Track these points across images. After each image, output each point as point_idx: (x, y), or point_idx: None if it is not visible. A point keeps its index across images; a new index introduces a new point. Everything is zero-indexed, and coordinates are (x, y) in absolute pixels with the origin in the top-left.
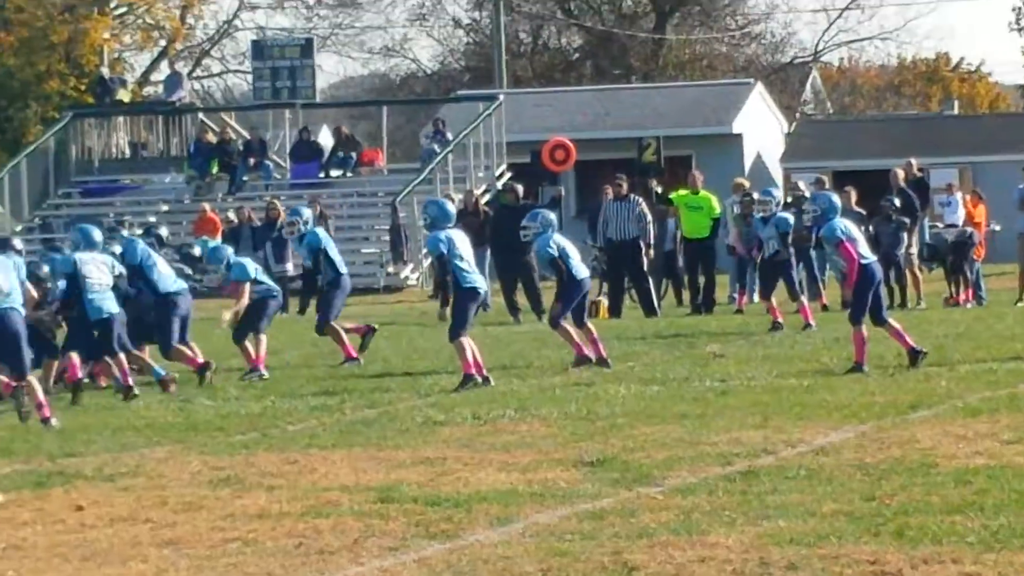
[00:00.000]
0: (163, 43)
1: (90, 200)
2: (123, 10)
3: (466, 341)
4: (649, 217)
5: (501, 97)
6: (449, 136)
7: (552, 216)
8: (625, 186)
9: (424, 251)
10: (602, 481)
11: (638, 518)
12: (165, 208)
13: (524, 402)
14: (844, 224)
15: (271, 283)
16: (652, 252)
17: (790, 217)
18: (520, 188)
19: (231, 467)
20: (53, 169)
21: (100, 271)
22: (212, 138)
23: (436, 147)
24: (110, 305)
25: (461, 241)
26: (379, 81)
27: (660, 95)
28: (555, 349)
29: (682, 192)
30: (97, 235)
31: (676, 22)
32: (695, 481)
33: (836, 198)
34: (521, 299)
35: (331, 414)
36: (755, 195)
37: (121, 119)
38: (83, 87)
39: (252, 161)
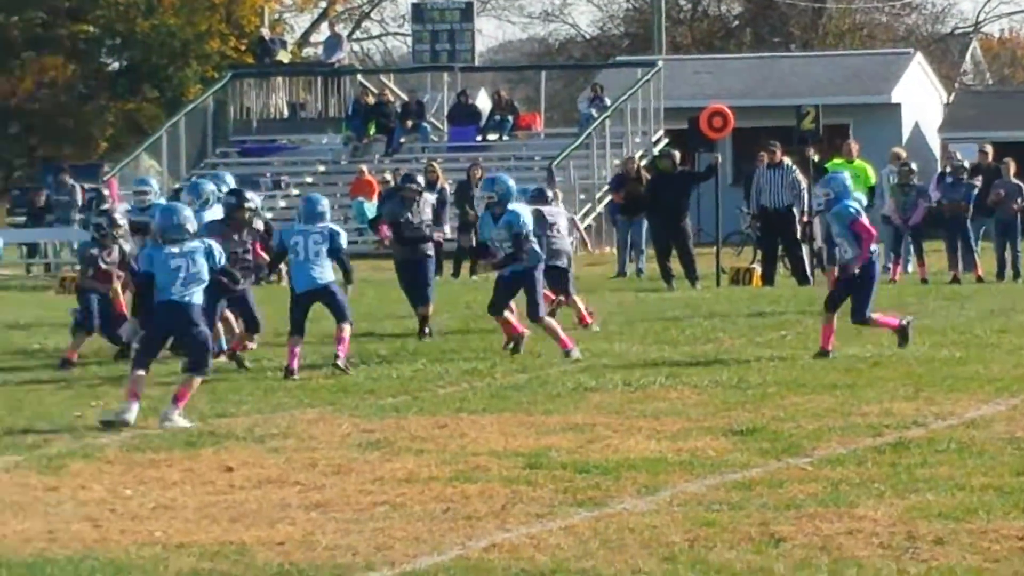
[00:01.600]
0: (323, 4)
1: (247, 160)
2: None
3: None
4: (803, 184)
5: (660, 63)
6: (607, 101)
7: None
8: (779, 153)
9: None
10: (751, 451)
11: (786, 489)
12: (322, 169)
13: (675, 369)
14: (856, 205)
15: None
16: (807, 219)
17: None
18: (677, 154)
19: (381, 430)
20: (211, 128)
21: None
22: (370, 100)
23: (594, 112)
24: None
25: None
26: (538, 45)
27: (819, 64)
28: (707, 316)
29: (837, 160)
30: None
31: None
32: (844, 452)
33: (849, 180)
34: (675, 265)
35: (482, 378)
36: (912, 165)
37: (280, 80)
38: (243, 47)
39: (409, 123)
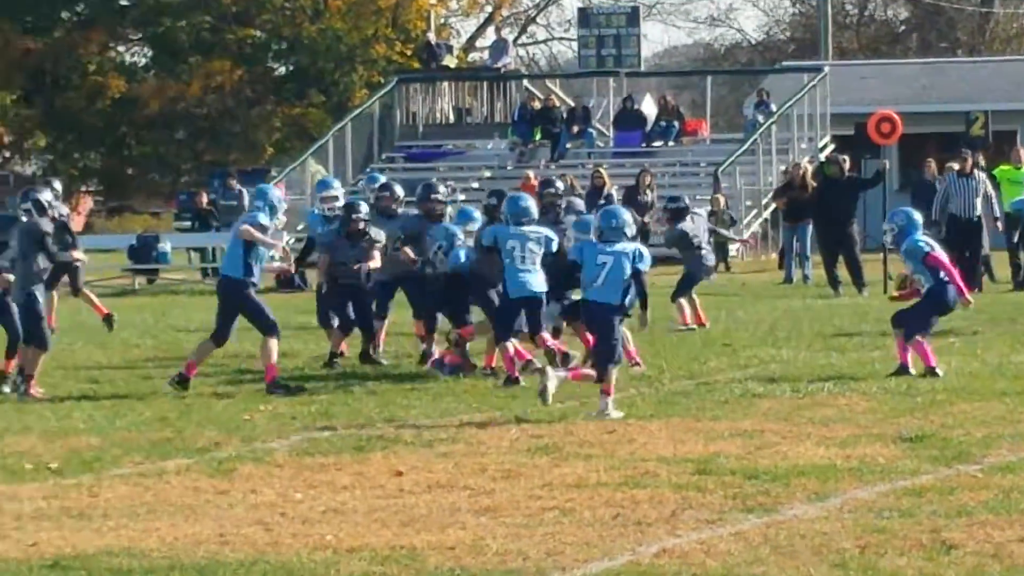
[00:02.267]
0: (489, 9)
1: (413, 165)
2: None
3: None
4: (994, 194)
5: (826, 68)
6: (773, 107)
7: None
8: (970, 162)
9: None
10: (921, 458)
11: (957, 496)
12: (488, 174)
13: (843, 376)
14: (926, 239)
15: None
16: (999, 226)
17: None
18: (845, 160)
19: (549, 435)
20: (378, 133)
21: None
22: (536, 105)
23: (760, 117)
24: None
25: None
26: (703, 50)
27: (986, 69)
28: (875, 323)
29: (1004, 167)
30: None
31: None
32: (1015, 460)
33: (916, 214)
34: (842, 272)
35: (650, 384)
36: None
37: (446, 84)
38: (409, 52)
39: (575, 128)
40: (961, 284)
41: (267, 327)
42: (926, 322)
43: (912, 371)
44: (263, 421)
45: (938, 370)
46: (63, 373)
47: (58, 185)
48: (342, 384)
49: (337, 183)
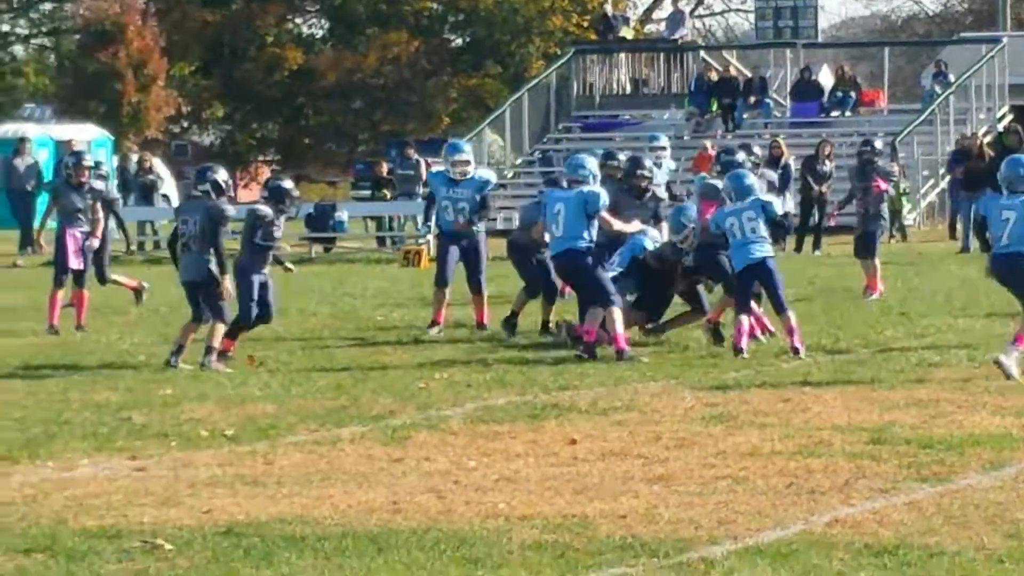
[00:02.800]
0: None
1: (590, 135)
2: None
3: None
4: None
5: (1004, 39)
6: (951, 78)
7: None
8: None
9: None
10: None
11: None
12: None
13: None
14: None
15: None
16: None
17: None
18: (1021, 130)
19: (724, 404)
20: (554, 104)
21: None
22: (713, 76)
23: (937, 88)
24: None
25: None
26: (880, 22)
27: None
28: None
29: None
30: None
31: None
32: None
33: None
34: None
35: (826, 353)
36: None
37: (623, 56)
38: (585, 24)
39: (752, 99)
40: None
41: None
42: None
43: None
44: (438, 389)
45: None
46: (242, 342)
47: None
48: (516, 352)
49: (468, 147)
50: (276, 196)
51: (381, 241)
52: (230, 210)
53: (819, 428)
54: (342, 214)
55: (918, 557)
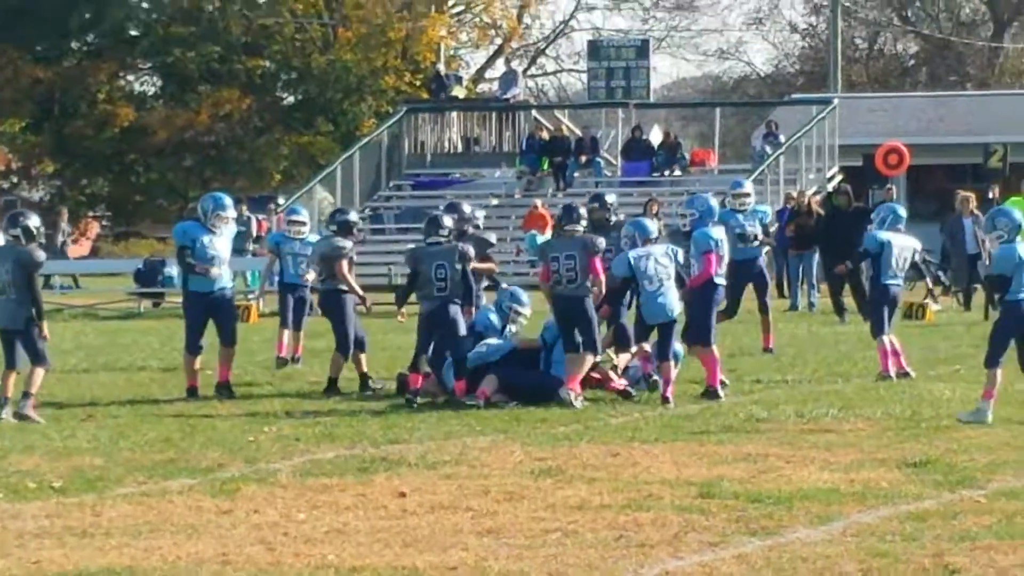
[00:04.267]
0: (499, 41)
1: (421, 193)
2: (460, 8)
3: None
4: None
5: (836, 101)
6: (782, 138)
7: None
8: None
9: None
10: (924, 482)
11: (960, 520)
12: (495, 202)
13: (848, 401)
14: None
15: None
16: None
17: None
18: (850, 191)
19: (553, 458)
20: (385, 162)
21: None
22: (545, 135)
23: (768, 149)
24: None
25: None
26: (712, 83)
27: (996, 102)
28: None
29: (1015, 198)
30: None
31: (1015, 31)
32: (1019, 485)
33: (714, 203)
34: (848, 300)
35: (653, 408)
36: None
37: (455, 114)
38: (418, 82)
39: (583, 158)
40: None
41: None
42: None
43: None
44: (267, 442)
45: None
46: (68, 394)
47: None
48: (345, 405)
49: (305, 212)
50: (345, 228)
51: None
52: (40, 256)
53: (648, 482)
54: (171, 269)
55: None
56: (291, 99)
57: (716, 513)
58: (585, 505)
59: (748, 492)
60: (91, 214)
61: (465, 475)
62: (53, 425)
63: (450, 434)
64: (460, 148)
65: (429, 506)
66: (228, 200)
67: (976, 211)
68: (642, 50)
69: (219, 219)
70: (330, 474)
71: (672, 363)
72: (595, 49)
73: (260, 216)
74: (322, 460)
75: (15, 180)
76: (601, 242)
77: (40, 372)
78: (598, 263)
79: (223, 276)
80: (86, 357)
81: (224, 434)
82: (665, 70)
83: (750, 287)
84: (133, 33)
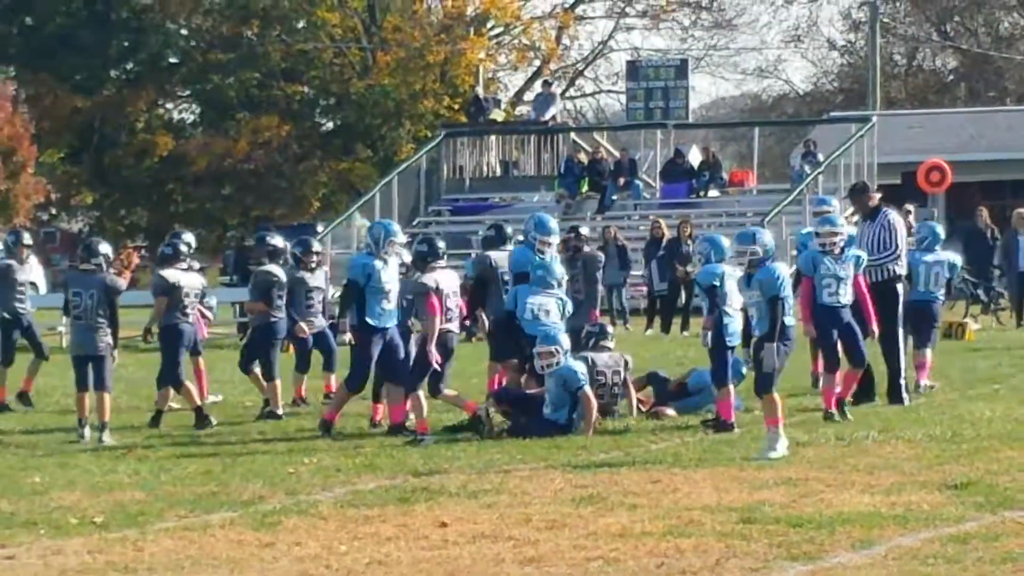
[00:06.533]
0: (537, 63)
1: (460, 218)
2: (499, 31)
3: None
4: None
5: (874, 118)
6: (820, 157)
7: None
8: None
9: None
10: (966, 504)
11: (1002, 542)
12: None
13: (888, 423)
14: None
15: None
16: None
17: None
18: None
19: (594, 485)
20: (424, 187)
21: None
22: (583, 157)
23: (806, 168)
24: None
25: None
26: (751, 101)
27: None
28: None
29: None
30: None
31: None
32: None
33: (723, 242)
34: None
35: (694, 433)
36: None
37: (493, 138)
38: (456, 106)
39: (622, 180)
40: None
41: None
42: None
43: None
44: (307, 474)
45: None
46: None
47: None
48: (386, 436)
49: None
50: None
51: (243, 327)
52: (122, 283)
53: (689, 508)
54: (211, 300)
55: None
56: (329, 125)
57: (757, 539)
58: (626, 532)
59: (789, 517)
60: (131, 244)
61: (506, 504)
62: (94, 460)
63: (490, 463)
64: (499, 172)
65: (470, 536)
66: (396, 225)
67: None
68: (681, 70)
69: (391, 246)
70: (371, 505)
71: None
72: (633, 69)
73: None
74: (363, 491)
75: (54, 211)
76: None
77: (107, 399)
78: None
79: (393, 310)
80: (127, 389)
81: (264, 466)
82: (704, 89)
83: None
84: (172, 60)
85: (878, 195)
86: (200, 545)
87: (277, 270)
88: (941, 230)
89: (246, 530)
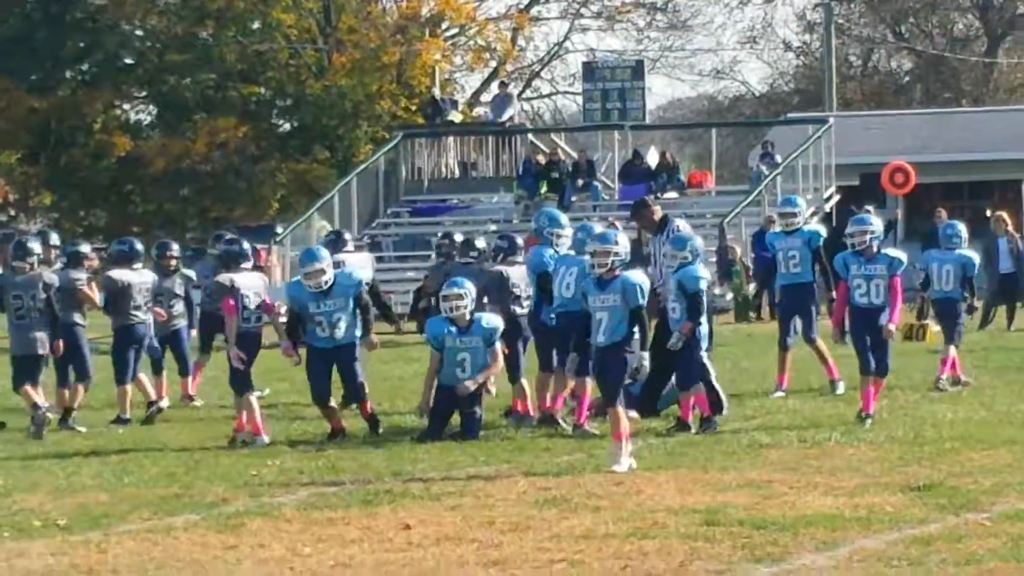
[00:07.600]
0: (494, 64)
1: (419, 219)
2: (454, 32)
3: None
4: None
5: (831, 119)
6: (778, 158)
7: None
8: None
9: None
10: (929, 506)
11: (965, 544)
12: (493, 228)
13: (851, 426)
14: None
15: None
16: None
17: None
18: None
19: (557, 487)
20: (383, 188)
21: None
22: (541, 159)
23: (764, 169)
24: None
25: None
26: (708, 103)
27: (992, 119)
28: None
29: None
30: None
31: (1008, 46)
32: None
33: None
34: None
35: (657, 436)
36: None
37: (451, 139)
38: (413, 107)
39: (580, 182)
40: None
41: None
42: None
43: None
44: (271, 476)
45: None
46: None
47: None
48: (349, 438)
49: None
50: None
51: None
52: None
53: (653, 510)
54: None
55: None
56: (287, 126)
57: (721, 540)
58: (590, 534)
59: (753, 519)
60: (89, 246)
61: (470, 506)
62: (57, 462)
63: (454, 465)
64: (457, 173)
65: (434, 538)
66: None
67: (1010, 230)
68: (637, 71)
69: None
70: (335, 507)
71: None
72: (590, 71)
73: (260, 246)
74: (327, 493)
75: (12, 213)
76: None
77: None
78: None
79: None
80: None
81: (228, 468)
82: (660, 90)
83: None
84: (127, 61)
85: (659, 208)
86: (164, 547)
87: (118, 274)
88: (963, 228)
89: (210, 532)
